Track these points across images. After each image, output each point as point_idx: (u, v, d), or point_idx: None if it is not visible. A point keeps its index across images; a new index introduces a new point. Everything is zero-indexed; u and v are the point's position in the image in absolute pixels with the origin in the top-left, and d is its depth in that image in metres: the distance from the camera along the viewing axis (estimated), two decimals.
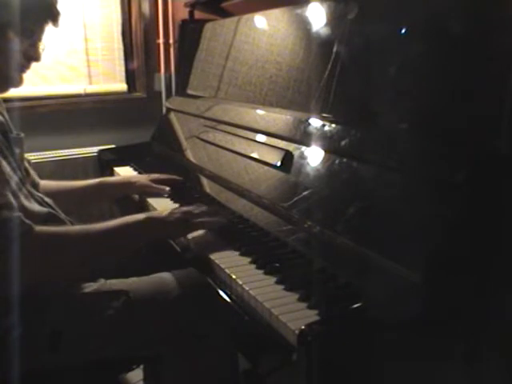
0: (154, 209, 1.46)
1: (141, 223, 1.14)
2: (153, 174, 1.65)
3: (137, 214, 1.16)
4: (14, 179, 1.13)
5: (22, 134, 1.29)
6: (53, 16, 1.20)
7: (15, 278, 0.97)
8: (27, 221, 1.01)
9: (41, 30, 1.20)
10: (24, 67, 1.21)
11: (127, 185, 1.62)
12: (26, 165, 1.34)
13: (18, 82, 1.21)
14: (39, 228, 1.03)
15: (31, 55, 1.20)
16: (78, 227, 1.12)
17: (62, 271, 1.08)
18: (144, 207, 1.53)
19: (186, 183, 1.63)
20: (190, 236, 1.20)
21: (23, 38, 1.16)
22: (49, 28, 1.22)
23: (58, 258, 1.06)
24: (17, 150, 1.23)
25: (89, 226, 1.10)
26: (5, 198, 1.01)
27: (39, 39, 1.21)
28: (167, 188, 1.56)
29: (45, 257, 1.03)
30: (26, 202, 1.15)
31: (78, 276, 1.17)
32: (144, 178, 1.62)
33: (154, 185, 1.58)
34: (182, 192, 1.56)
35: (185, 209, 1.21)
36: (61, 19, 1.22)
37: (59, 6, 1.22)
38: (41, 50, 1.22)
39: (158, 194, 1.55)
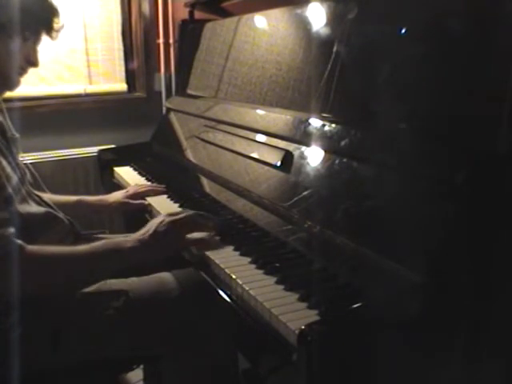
0: (155, 209, 1.46)
1: (126, 249, 1.08)
2: (131, 188, 1.62)
3: (125, 239, 1.10)
4: (14, 179, 1.14)
5: (17, 135, 1.29)
6: (48, 27, 1.21)
7: (14, 283, 0.97)
8: (18, 241, 1.00)
9: (40, 37, 1.22)
10: (23, 71, 1.22)
11: (104, 206, 1.58)
12: (23, 165, 1.34)
13: (15, 85, 1.22)
14: (30, 248, 1.01)
15: (31, 60, 1.21)
16: (66, 248, 1.09)
17: (49, 289, 1.06)
18: (146, 210, 1.53)
19: (168, 189, 1.60)
20: (189, 236, 1.17)
21: (26, 42, 1.17)
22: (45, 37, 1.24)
23: (46, 278, 1.04)
24: (14, 150, 1.23)
25: (76, 248, 1.08)
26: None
27: (38, 45, 1.22)
28: (146, 202, 1.53)
29: (34, 275, 1.01)
30: (23, 204, 1.16)
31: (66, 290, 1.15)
32: (121, 196, 1.58)
33: (131, 201, 1.55)
34: (181, 193, 1.57)
35: (171, 220, 1.12)
36: (59, 33, 1.25)
37: (61, 20, 1.24)
38: (38, 56, 1.24)
39: (139, 207, 1.53)
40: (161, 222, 1.11)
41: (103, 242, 1.11)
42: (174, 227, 1.11)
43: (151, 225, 1.12)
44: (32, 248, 1.02)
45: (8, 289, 0.96)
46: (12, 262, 0.96)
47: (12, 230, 1.00)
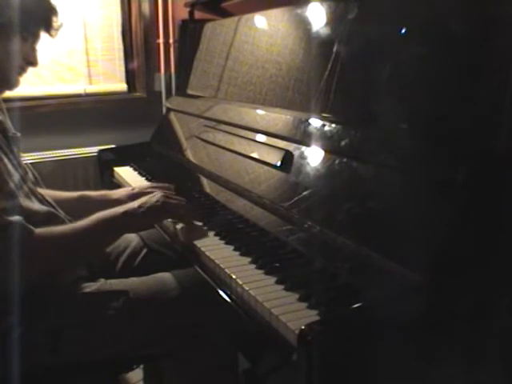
0: None
1: (119, 218, 1.16)
2: (136, 187, 1.58)
3: (115, 209, 1.18)
4: (16, 176, 1.14)
5: (19, 134, 1.29)
6: (47, 26, 1.22)
7: (15, 280, 0.98)
8: (28, 225, 1.04)
9: (39, 36, 1.22)
10: (22, 70, 1.22)
11: (108, 201, 1.51)
12: (24, 164, 1.34)
13: (14, 84, 1.22)
14: (39, 231, 1.06)
15: (30, 59, 1.21)
16: (67, 227, 1.15)
17: (61, 269, 1.14)
18: None
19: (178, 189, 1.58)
20: (190, 236, 1.20)
21: (25, 42, 1.18)
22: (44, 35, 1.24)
23: (58, 258, 1.10)
24: (15, 149, 1.24)
25: (75, 224, 1.14)
26: (5, 202, 1.02)
27: (37, 44, 1.23)
28: None
29: (45, 258, 1.07)
30: (26, 201, 1.16)
31: (73, 271, 1.21)
32: (126, 194, 1.53)
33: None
34: (181, 193, 1.57)
35: (158, 195, 1.24)
36: (58, 32, 1.26)
37: (59, 19, 1.24)
38: (37, 55, 1.24)
39: None
40: (154, 196, 1.23)
41: (99, 213, 1.16)
42: (164, 201, 1.22)
43: (144, 198, 1.22)
44: (40, 231, 1.06)
45: (18, 275, 0.99)
46: (21, 248, 0.99)
47: (19, 217, 1.03)
